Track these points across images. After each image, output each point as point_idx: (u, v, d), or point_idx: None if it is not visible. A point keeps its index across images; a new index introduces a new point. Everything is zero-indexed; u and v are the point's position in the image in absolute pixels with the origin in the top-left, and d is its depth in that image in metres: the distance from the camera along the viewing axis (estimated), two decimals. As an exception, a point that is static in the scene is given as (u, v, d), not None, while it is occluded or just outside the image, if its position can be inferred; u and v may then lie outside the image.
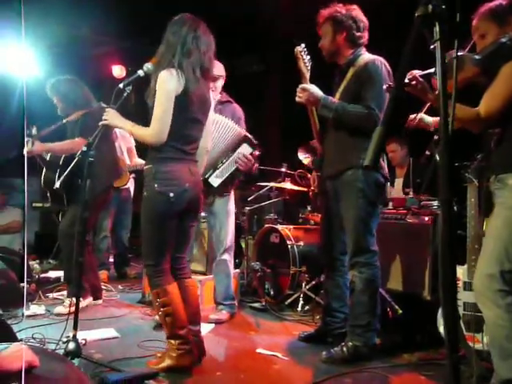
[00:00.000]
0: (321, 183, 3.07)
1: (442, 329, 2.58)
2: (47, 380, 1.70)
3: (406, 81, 2.06)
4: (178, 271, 2.61)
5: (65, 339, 2.48)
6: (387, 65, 2.73)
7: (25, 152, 3.55)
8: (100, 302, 3.96)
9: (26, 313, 3.47)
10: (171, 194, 2.38)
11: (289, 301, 3.97)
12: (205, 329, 3.20)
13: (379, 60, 2.72)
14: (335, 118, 2.72)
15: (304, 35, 3.03)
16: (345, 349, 2.69)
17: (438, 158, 2.26)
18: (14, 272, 3.81)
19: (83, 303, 3.65)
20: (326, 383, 2.41)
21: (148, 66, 2.50)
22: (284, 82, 2.93)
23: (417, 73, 2.08)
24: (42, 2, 4.48)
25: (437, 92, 1.10)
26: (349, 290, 2.86)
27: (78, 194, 3.56)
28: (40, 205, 6.22)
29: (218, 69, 3.61)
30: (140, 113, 2.68)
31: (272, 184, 4.71)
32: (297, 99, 2.78)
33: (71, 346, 2.40)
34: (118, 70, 7.08)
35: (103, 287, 4.30)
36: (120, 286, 4.69)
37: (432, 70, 2.02)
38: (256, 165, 3.60)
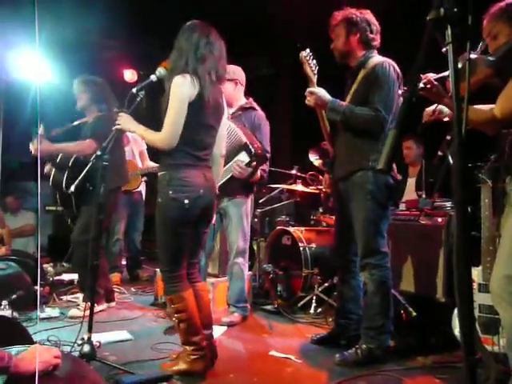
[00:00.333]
0: (333, 185, 3.07)
1: (456, 331, 2.56)
2: (63, 381, 1.72)
3: (421, 85, 2.06)
4: (190, 276, 2.62)
5: (80, 341, 2.51)
6: (396, 67, 2.72)
7: (31, 149, 3.56)
8: (113, 304, 3.98)
9: (41, 315, 3.51)
10: (186, 201, 2.38)
11: (301, 303, 3.97)
12: (217, 331, 3.21)
13: (387, 62, 2.71)
14: (343, 120, 2.73)
15: (315, 38, 3.04)
16: (359, 351, 2.68)
17: (450, 158, 2.25)
18: (29, 275, 3.86)
19: (97, 309, 3.68)
20: (339, 386, 2.41)
21: (160, 70, 2.52)
22: (294, 85, 2.94)
23: (431, 76, 2.07)
24: (54, 9, 4.53)
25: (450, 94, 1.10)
26: (362, 291, 2.86)
27: (87, 199, 3.58)
28: (53, 208, 6.27)
29: (235, 72, 3.63)
30: (152, 117, 2.70)
31: (283, 186, 4.71)
32: (306, 102, 2.80)
33: (86, 348, 2.43)
34: (129, 75, 7.13)
35: (116, 290, 4.34)
36: (133, 289, 4.72)
37: (446, 74, 2.01)
38: (258, 174, 3.54)
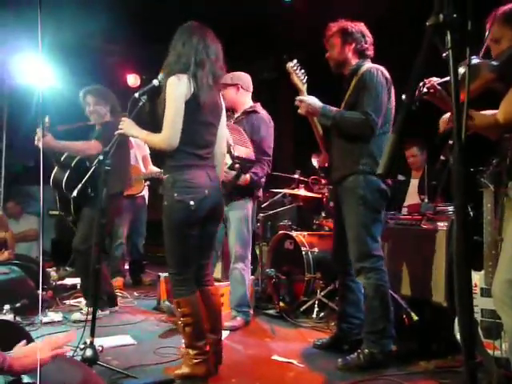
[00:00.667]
0: (331, 190, 3.10)
1: (459, 336, 2.55)
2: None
3: (425, 90, 2.06)
4: (202, 278, 2.61)
5: (82, 346, 2.51)
6: (385, 72, 2.78)
7: (35, 142, 3.52)
8: (116, 308, 3.99)
9: (44, 320, 3.51)
10: (191, 202, 2.38)
11: (304, 307, 3.96)
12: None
13: (375, 68, 2.77)
14: (334, 125, 2.78)
15: (316, 43, 3.05)
16: (361, 356, 2.68)
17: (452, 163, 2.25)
18: (32, 279, 3.87)
19: (101, 314, 3.69)
20: (341, 391, 2.41)
21: (162, 75, 2.53)
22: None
23: (435, 81, 2.07)
24: (57, 14, 4.56)
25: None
26: (363, 295, 2.86)
27: (87, 205, 3.59)
28: (56, 212, 6.29)
29: (239, 78, 3.65)
30: (155, 122, 2.71)
31: (286, 190, 4.71)
32: (298, 111, 2.85)
33: (88, 352, 2.43)
34: (132, 79, 7.16)
35: (119, 294, 4.34)
36: (135, 293, 4.73)
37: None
38: (246, 178, 3.51)
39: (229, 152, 3.34)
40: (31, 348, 1.61)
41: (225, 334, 3.35)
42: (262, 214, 4.76)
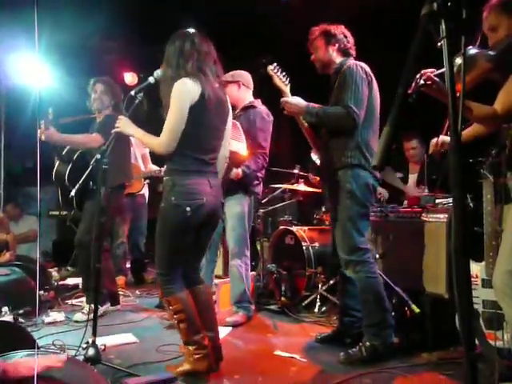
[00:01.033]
0: (324, 186, 3.16)
1: (459, 327, 2.55)
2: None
3: (421, 82, 2.04)
4: (194, 279, 2.62)
5: (84, 345, 2.52)
6: (365, 66, 2.85)
7: (38, 135, 3.52)
8: (118, 307, 3.99)
9: (46, 320, 3.52)
10: (188, 208, 2.36)
11: (305, 302, 3.97)
12: (222, 332, 3.21)
13: (355, 63, 2.85)
14: (318, 121, 2.85)
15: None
16: (363, 349, 2.68)
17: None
18: (33, 280, 3.87)
19: (101, 309, 3.69)
20: (344, 384, 2.41)
21: (158, 72, 2.52)
22: (295, 84, 2.95)
23: (431, 72, 2.04)
24: (54, 13, 4.55)
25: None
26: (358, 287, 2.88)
27: (90, 199, 3.61)
28: (57, 213, 6.30)
29: (240, 75, 3.65)
30: (153, 120, 2.70)
31: (285, 186, 4.70)
32: (284, 112, 2.91)
33: (91, 351, 2.44)
34: (129, 78, 7.13)
35: (121, 293, 4.35)
36: (137, 292, 4.74)
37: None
38: (237, 172, 3.49)
39: None
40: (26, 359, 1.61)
41: (227, 329, 3.37)
42: (262, 210, 4.75)
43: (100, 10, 5.11)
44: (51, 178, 3.85)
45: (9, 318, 3.25)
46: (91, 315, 2.56)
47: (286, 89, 2.92)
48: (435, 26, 1.02)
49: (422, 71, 2.05)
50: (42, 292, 4.05)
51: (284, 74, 2.94)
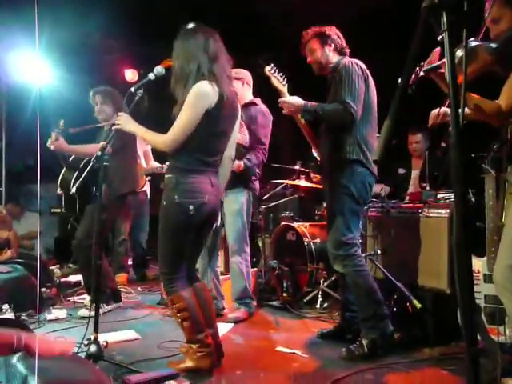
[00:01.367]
0: (323, 183, 3.23)
1: (460, 322, 2.54)
2: (70, 383, 1.72)
3: (422, 73, 2.02)
4: (192, 276, 2.62)
5: (86, 342, 2.52)
6: (361, 64, 2.87)
7: (48, 144, 3.60)
8: (120, 304, 4.00)
9: (48, 317, 3.52)
10: (190, 207, 2.36)
11: (307, 298, 3.97)
12: (224, 328, 3.22)
13: (351, 61, 2.87)
14: (316, 118, 2.86)
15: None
16: (363, 344, 2.69)
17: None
18: (35, 277, 3.87)
19: (107, 308, 3.70)
20: (346, 380, 2.40)
21: (158, 69, 2.52)
22: (296, 80, 2.94)
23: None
24: (54, 10, 4.54)
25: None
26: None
27: (90, 202, 3.62)
28: (58, 210, 6.29)
29: (242, 72, 3.67)
30: (153, 117, 2.71)
31: (287, 182, 4.70)
32: (283, 112, 2.92)
33: (93, 348, 2.44)
34: (130, 74, 7.12)
35: (123, 290, 4.35)
36: (139, 288, 4.74)
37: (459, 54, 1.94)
38: (239, 164, 3.50)
39: None
40: (44, 337, 1.65)
41: (229, 326, 3.37)
42: (263, 206, 4.75)
43: (100, 7, 5.11)
44: (52, 176, 3.86)
45: (10, 315, 3.26)
46: (93, 312, 2.55)
47: (284, 89, 2.93)
48: (436, 19, 1.01)
49: (422, 63, 2.04)
50: (43, 289, 4.05)
51: (281, 74, 2.95)
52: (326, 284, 3.91)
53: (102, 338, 2.67)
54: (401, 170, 4.55)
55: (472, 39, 1.83)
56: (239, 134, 3.36)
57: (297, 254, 4.14)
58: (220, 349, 2.60)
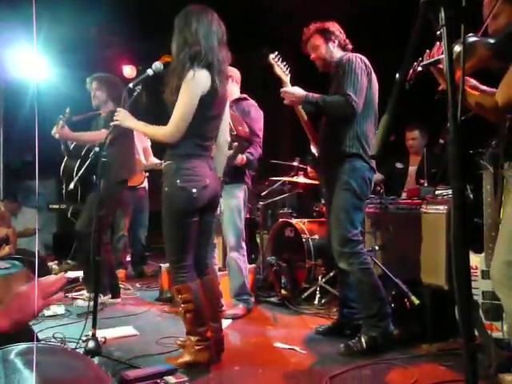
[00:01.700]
0: (321, 177, 3.21)
1: (458, 318, 2.55)
2: (68, 379, 1.72)
3: (419, 68, 2.02)
4: (202, 267, 2.62)
5: (84, 338, 2.52)
6: (364, 58, 2.85)
7: (53, 132, 3.67)
8: (118, 300, 4.00)
9: (46, 313, 3.52)
10: (194, 190, 2.39)
11: (305, 294, 3.97)
12: (222, 324, 3.22)
13: (354, 55, 2.85)
14: (318, 110, 2.84)
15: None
16: (362, 340, 2.69)
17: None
18: (34, 273, 3.87)
19: (102, 299, 3.71)
20: (344, 376, 2.41)
21: (157, 64, 2.51)
22: (295, 75, 2.94)
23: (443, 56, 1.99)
24: (52, 6, 4.52)
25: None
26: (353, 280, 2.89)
27: (92, 192, 3.67)
28: (56, 206, 6.30)
29: (231, 70, 3.66)
30: (151, 112, 2.70)
31: (285, 178, 4.70)
32: (284, 102, 2.89)
33: (91, 344, 2.44)
34: (128, 70, 7.11)
35: (121, 286, 4.35)
36: (138, 285, 4.74)
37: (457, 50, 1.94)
38: (243, 157, 3.52)
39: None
40: (21, 298, 1.27)
41: (227, 322, 3.37)
42: (261, 203, 4.75)
43: (99, 3, 5.09)
44: (50, 172, 3.87)
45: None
46: (91, 303, 2.55)
47: (287, 78, 2.90)
48: (435, 14, 1.01)
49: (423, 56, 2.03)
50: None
51: (285, 63, 2.92)
52: (324, 280, 3.91)
53: (101, 333, 2.67)
54: (398, 165, 4.55)
55: (470, 34, 1.83)
56: (241, 128, 3.38)
57: (295, 251, 4.15)
58: (221, 343, 2.60)
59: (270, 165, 4.82)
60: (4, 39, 5.04)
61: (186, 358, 2.47)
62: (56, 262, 5.43)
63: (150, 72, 2.51)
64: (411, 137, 4.43)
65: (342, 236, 2.80)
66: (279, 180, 4.83)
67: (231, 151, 3.37)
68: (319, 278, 3.94)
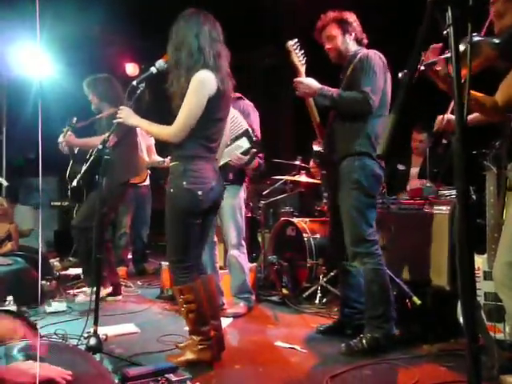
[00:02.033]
0: (324, 175, 3.14)
1: (461, 319, 2.55)
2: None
3: (422, 67, 2.01)
4: (199, 266, 2.62)
5: (86, 335, 2.52)
6: (382, 56, 2.78)
7: (60, 140, 3.73)
8: (119, 297, 4.00)
9: (48, 310, 3.53)
10: (199, 192, 2.39)
11: (306, 293, 3.97)
12: (223, 323, 3.21)
13: (373, 52, 2.78)
14: (332, 104, 2.78)
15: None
16: (364, 340, 2.68)
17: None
18: (36, 270, 3.88)
19: (103, 292, 3.70)
20: (345, 375, 2.40)
21: (160, 62, 2.51)
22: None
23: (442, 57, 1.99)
24: (55, 4, 4.52)
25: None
26: (363, 278, 2.87)
27: (94, 190, 3.69)
28: (58, 203, 6.29)
29: None
30: (154, 111, 2.69)
31: (287, 177, 4.69)
32: (296, 93, 2.83)
33: (92, 341, 2.43)
34: (131, 68, 7.11)
35: (122, 283, 4.35)
36: (139, 282, 4.74)
37: (449, 55, 1.94)
38: (259, 161, 3.54)
39: (247, 135, 3.35)
40: (28, 364, 1.54)
41: (228, 320, 3.37)
42: (263, 202, 4.75)
43: (102, 1, 5.08)
44: (52, 169, 3.89)
45: (13, 307, 3.26)
46: (93, 297, 2.55)
47: (302, 68, 2.83)
48: (441, 13, 1.00)
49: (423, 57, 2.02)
50: (44, 282, 4.05)
51: (302, 52, 2.84)
52: (325, 279, 3.91)
53: (102, 331, 2.67)
54: (400, 167, 4.52)
55: (475, 34, 1.82)
56: (250, 128, 3.38)
57: (296, 250, 4.15)
58: (222, 341, 2.60)
59: (272, 164, 4.82)
60: (7, 37, 5.04)
61: (189, 356, 2.48)
62: (58, 258, 5.43)
63: (153, 70, 2.51)
64: (419, 139, 4.33)
65: (357, 235, 2.75)
66: (281, 179, 4.82)
67: (247, 157, 3.40)
68: (320, 277, 3.94)
